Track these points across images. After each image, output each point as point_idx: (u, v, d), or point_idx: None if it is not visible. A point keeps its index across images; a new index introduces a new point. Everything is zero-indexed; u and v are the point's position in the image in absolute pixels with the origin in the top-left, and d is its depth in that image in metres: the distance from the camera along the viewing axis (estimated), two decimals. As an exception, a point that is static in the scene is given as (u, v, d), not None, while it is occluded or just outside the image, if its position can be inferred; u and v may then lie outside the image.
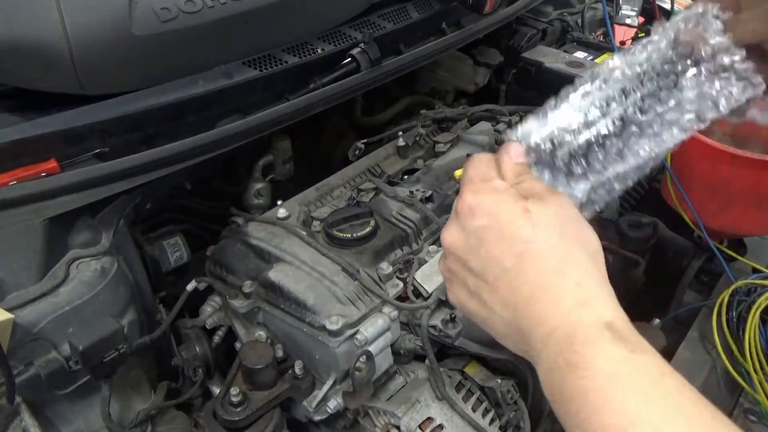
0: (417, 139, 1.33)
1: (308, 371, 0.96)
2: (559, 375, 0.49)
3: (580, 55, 1.58)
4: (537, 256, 0.53)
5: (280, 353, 0.98)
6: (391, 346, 0.98)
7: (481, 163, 0.60)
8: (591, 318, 0.49)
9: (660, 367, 0.47)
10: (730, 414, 1.19)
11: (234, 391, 0.90)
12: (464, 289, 0.59)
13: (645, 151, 0.59)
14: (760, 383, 1.13)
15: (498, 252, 0.55)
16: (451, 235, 0.58)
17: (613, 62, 0.61)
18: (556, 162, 0.59)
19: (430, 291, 1.00)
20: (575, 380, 0.47)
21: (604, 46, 1.63)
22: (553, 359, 0.49)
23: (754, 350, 1.14)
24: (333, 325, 0.90)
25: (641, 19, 1.75)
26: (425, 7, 1.31)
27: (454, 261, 0.59)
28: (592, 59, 1.56)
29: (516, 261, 0.54)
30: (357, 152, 1.29)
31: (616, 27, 1.72)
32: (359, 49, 1.13)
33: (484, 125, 1.36)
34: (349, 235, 1.03)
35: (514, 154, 0.60)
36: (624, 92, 0.59)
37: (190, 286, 1.03)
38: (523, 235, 0.54)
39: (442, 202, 1.14)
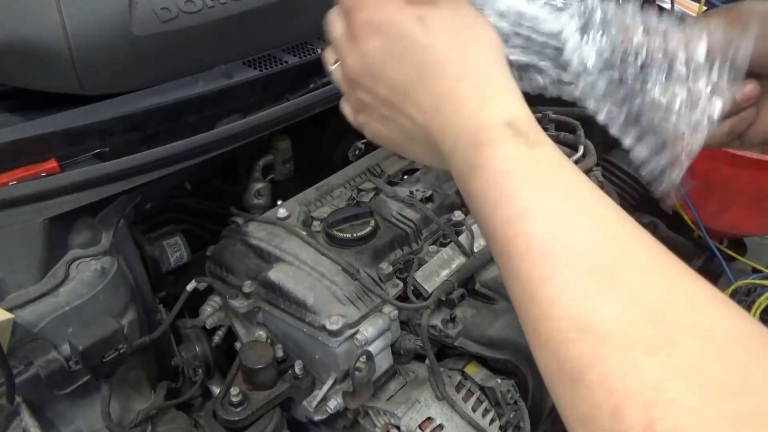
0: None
1: (308, 371, 0.96)
2: (466, 178, 0.49)
3: (580, 55, 1.58)
4: (436, 63, 0.51)
5: (280, 353, 0.98)
6: (391, 346, 0.98)
7: None
8: (492, 118, 0.49)
9: (557, 159, 0.47)
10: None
11: (234, 391, 0.90)
12: (378, 118, 0.58)
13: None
14: (760, 383, 1.13)
15: (399, 69, 0.53)
16: (352, 63, 0.55)
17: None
18: None
19: (430, 291, 1.00)
20: (477, 180, 0.47)
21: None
22: (461, 164, 0.49)
23: (754, 350, 1.14)
24: (333, 325, 0.90)
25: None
26: (425, 7, 1.31)
27: (361, 91, 0.57)
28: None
29: (416, 73, 0.52)
30: (357, 152, 1.29)
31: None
32: (359, 49, 1.13)
33: (484, 125, 1.35)
34: (349, 235, 1.03)
35: None
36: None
37: (190, 286, 1.03)
38: (419, 45, 0.51)
39: (442, 202, 1.14)
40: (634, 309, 0.38)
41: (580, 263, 0.41)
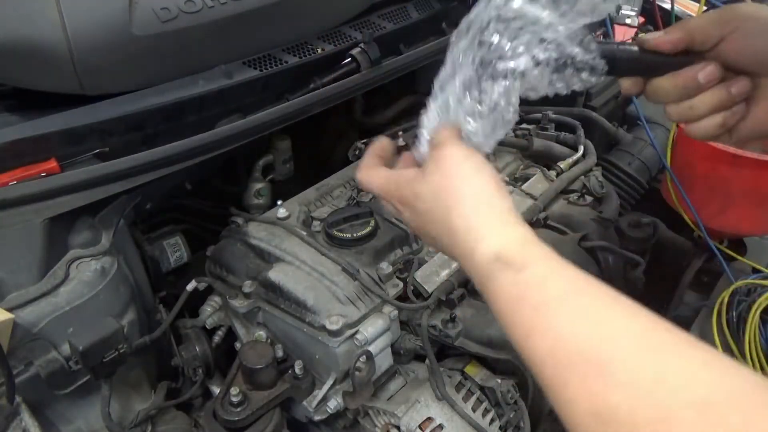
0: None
1: (308, 371, 0.96)
2: (490, 307, 0.58)
3: (580, 55, 1.57)
4: (432, 225, 0.64)
5: (280, 353, 0.98)
6: (391, 346, 0.98)
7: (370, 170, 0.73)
8: (482, 258, 0.57)
9: (543, 274, 0.54)
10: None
11: (234, 391, 0.90)
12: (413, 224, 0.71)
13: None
14: (761, 383, 1.13)
15: (426, 231, 0.67)
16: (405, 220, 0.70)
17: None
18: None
19: (430, 291, 1.00)
20: (492, 307, 0.57)
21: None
22: (483, 294, 0.59)
23: (754, 350, 1.14)
24: (333, 325, 0.90)
25: (641, 19, 1.75)
26: (425, 7, 1.31)
27: (399, 208, 0.71)
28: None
29: (431, 234, 0.66)
30: (357, 152, 1.29)
31: (616, 27, 1.71)
32: (359, 49, 1.13)
33: (484, 125, 1.35)
34: (349, 235, 1.03)
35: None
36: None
37: (190, 286, 1.03)
38: (420, 214, 0.66)
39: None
40: (634, 394, 0.43)
41: (584, 365, 0.47)
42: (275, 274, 0.98)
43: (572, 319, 0.50)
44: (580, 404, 0.46)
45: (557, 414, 0.50)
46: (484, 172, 0.62)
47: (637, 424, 0.42)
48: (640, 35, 0.72)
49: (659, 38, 0.70)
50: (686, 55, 0.69)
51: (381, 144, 0.75)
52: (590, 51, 0.63)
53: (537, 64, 0.62)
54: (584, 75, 0.64)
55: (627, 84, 0.72)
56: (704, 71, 0.67)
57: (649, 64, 0.70)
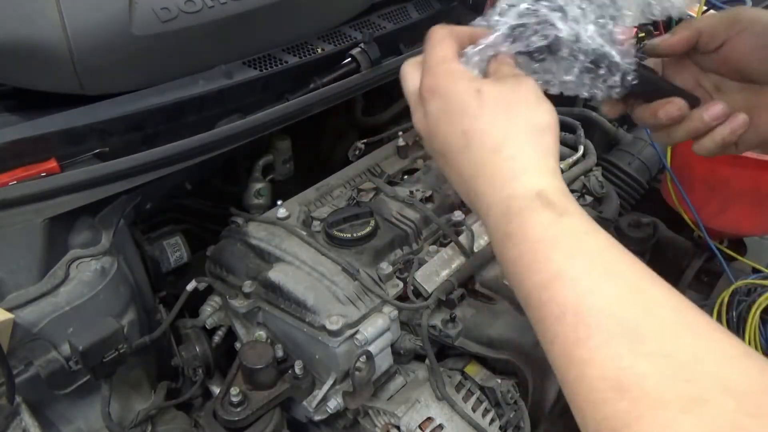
0: (417, 139, 1.33)
1: (308, 371, 0.96)
2: (500, 246, 0.53)
3: (580, 54, 1.57)
4: (479, 133, 0.56)
5: (280, 353, 0.98)
6: (391, 346, 0.98)
7: (439, 44, 0.62)
8: (522, 190, 0.52)
9: (584, 227, 0.49)
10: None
11: (234, 391, 0.90)
12: (440, 164, 0.63)
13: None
14: (761, 383, 1.13)
15: (449, 131, 0.58)
16: (416, 119, 0.62)
17: None
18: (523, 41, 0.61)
19: (430, 291, 1.00)
20: (511, 248, 0.51)
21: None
22: (494, 230, 0.53)
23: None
24: (333, 325, 0.90)
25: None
26: (425, 7, 1.31)
27: (424, 142, 0.63)
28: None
29: (462, 139, 0.57)
30: (357, 152, 1.29)
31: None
32: (359, 49, 1.13)
33: (484, 125, 1.35)
34: (349, 235, 1.03)
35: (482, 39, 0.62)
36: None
37: (190, 286, 1.03)
38: (470, 114, 0.57)
39: (442, 202, 1.14)
40: (667, 367, 0.39)
41: (612, 325, 0.42)
42: (275, 274, 0.98)
43: (606, 277, 0.46)
44: (595, 367, 0.42)
45: (560, 381, 0.46)
46: (556, 119, 0.58)
47: (665, 400, 0.38)
48: (647, 42, 0.71)
49: (668, 40, 0.69)
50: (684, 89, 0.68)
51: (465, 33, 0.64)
52: (629, 56, 0.60)
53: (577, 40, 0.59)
54: (612, 80, 0.61)
55: (608, 107, 0.71)
56: (710, 112, 0.66)
57: (657, 90, 0.68)
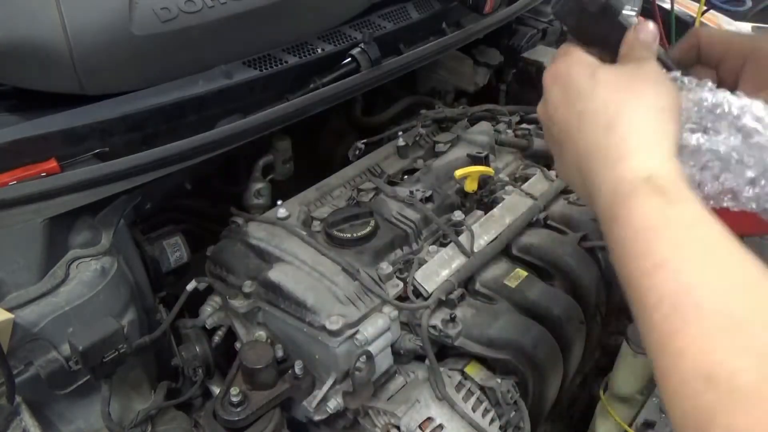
0: (417, 139, 1.33)
1: (308, 371, 0.96)
2: (606, 227, 0.53)
3: (580, 54, 1.57)
4: (593, 113, 0.57)
5: (280, 353, 0.98)
6: (391, 346, 0.98)
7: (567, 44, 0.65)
8: (630, 173, 0.51)
9: (694, 216, 0.48)
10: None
11: (234, 391, 0.90)
12: (557, 153, 0.64)
13: None
14: (761, 383, 1.13)
15: (567, 114, 0.59)
16: (539, 109, 0.65)
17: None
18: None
19: (430, 291, 1.00)
20: (617, 231, 0.51)
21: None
22: (603, 211, 0.54)
23: (754, 350, 1.14)
24: (333, 325, 0.90)
25: (641, 19, 1.75)
26: (425, 7, 1.31)
27: (545, 130, 0.65)
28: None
29: (577, 120, 0.58)
30: (357, 152, 1.29)
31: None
32: (359, 49, 1.13)
33: (484, 125, 1.36)
34: (349, 235, 1.03)
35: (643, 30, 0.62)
36: None
37: (190, 286, 1.03)
38: (585, 95, 0.58)
39: (442, 202, 1.14)
40: (766, 365, 0.38)
41: (711, 318, 0.42)
42: (275, 274, 0.98)
43: (714, 271, 0.45)
44: (690, 359, 0.41)
45: (654, 368, 0.45)
46: (677, 103, 0.57)
47: (760, 396, 0.37)
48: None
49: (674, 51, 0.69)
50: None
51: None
52: None
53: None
54: None
55: None
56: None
57: None
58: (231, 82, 1.01)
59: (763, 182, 0.58)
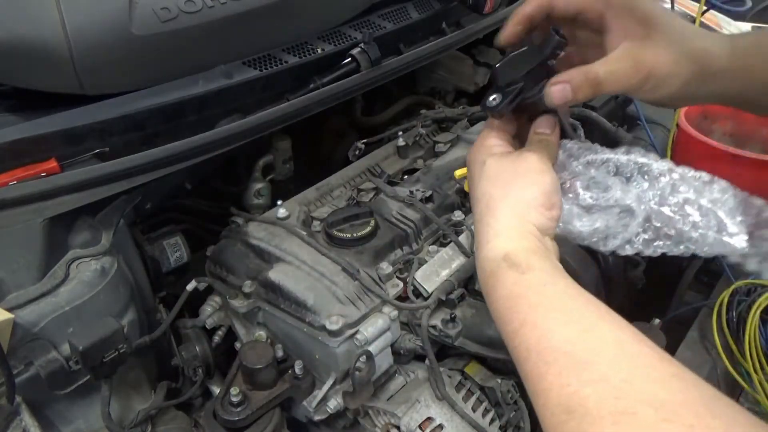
0: (417, 139, 1.33)
1: (308, 371, 0.96)
2: (485, 297, 0.65)
3: (580, 54, 1.57)
4: (475, 200, 0.70)
5: (280, 353, 0.98)
6: (391, 346, 0.98)
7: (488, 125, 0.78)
8: (493, 253, 0.63)
9: (545, 279, 0.60)
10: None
11: (234, 391, 0.90)
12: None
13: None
14: (760, 383, 1.13)
15: (471, 193, 0.74)
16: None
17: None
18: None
19: (430, 291, 1.00)
20: (491, 303, 0.63)
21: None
22: (481, 283, 0.65)
23: (754, 350, 1.14)
24: (333, 325, 0.90)
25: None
26: (425, 7, 1.31)
27: None
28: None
29: (472, 201, 0.72)
30: (357, 152, 1.29)
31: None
32: (359, 49, 1.13)
33: (484, 125, 1.35)
34: (349, 235, 1.03)
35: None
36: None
37: (190, 286, 1.03)
38: (473, 182, 0.72)
39: (442, 202, 1.14)
40: (604, 390, 0.48)
41: (564, 360, 0.52)
42: (275, 274, 0.98)
43: (562, 321, 0.55)
44: (554, 395, 0.51)
45: (537, 413, 0.53)
46: (545, 189, 0.67)
47: (601, 415, 0.47)
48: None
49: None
50: None
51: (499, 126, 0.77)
52: None
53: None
54: None
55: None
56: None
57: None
58: (231, 82, 1.01)
59: (649, 229, 0.67)
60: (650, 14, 0.68)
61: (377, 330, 0.94)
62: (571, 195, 0.70)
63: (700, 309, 1.29)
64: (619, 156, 0.71)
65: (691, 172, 0.69)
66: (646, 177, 0.69)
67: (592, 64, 0.69)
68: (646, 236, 0.66)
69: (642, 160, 0.70)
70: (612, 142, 1.61)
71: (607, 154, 0.71)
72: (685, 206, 0.66)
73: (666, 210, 0.66)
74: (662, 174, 0.68)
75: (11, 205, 0.83)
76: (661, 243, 0.66)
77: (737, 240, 0.63)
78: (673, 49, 0.68)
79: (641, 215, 0.66)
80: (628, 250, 0.68)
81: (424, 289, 1.00)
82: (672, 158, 1.40)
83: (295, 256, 1.00)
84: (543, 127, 0.73)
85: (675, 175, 0.68)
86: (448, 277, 1.02)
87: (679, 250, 0.66)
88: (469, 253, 1.06)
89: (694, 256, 0.65)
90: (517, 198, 0.67)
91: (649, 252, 0.67)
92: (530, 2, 0.74)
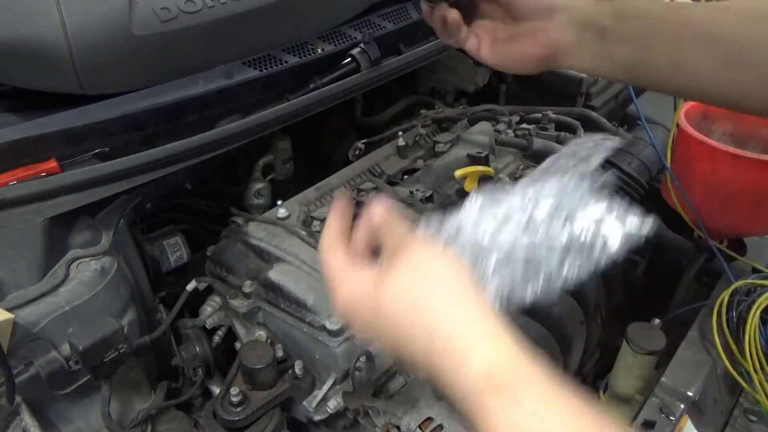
0: (417, 139, 1.33)
1: (308, 371, 0.96)
2: (472, 419, 0.51)
3: (580, 55, 1.57)
4: (410, 344, 0.54)
5: (280, 353, 0.98)
6: (391, 346, 0.98)
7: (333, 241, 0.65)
8: (470, 377, 0.50)
9: (542, 415, 0.48)
10: (730, 414, 1.19)
11: (234, 391, 0.90)
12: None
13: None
14: (760, 383, 1.13)
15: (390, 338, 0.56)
16: None
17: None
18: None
19: (430, 291, 0.99)
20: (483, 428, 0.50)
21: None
22: (463, 405, 0.51)
23: (754, 350, 1.14)
24: (333, 325, 0.90)
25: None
26: (425, 7, 1.31)
27: None
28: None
29: (383, 336, 0.56)
30: (357, 152, 1.29)
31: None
32: (359, 49, 1.13)
33: (484, 125, 1.36)
34: (349, 235, 1.03)
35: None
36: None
37: (190, 286, 1.03)
38: (379, 313, 0.55)
39: (442, 202, 1.14)
40: None
41: None
42: (275, 274, 0.98)
43: None
44: None
45: None
46: (461, 273, 0.55)
47: None
48: None
49: None
50: None
51: (340, 213, 0.67)
52: None
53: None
54: None
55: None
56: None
57: None
58: (231, 82, 1.01)
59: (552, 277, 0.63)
60: None
61: (377, 330, 0.93)
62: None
63: (700, 309, 1.29)
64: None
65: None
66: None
67: None
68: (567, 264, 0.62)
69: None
70: (612, 142, 1.61)
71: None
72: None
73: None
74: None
75: (11, 205, 0.83)
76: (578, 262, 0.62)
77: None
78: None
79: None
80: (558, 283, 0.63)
81: (424, 289, 1.00)
82: (672, 158, 1.40)
83: (295, 256, 1.00)
84: (377, 216, 0.61)
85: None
86: (448, 277, 1.02)
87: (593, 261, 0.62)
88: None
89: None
90: (450, 294, 0.54)
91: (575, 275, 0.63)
92: None
